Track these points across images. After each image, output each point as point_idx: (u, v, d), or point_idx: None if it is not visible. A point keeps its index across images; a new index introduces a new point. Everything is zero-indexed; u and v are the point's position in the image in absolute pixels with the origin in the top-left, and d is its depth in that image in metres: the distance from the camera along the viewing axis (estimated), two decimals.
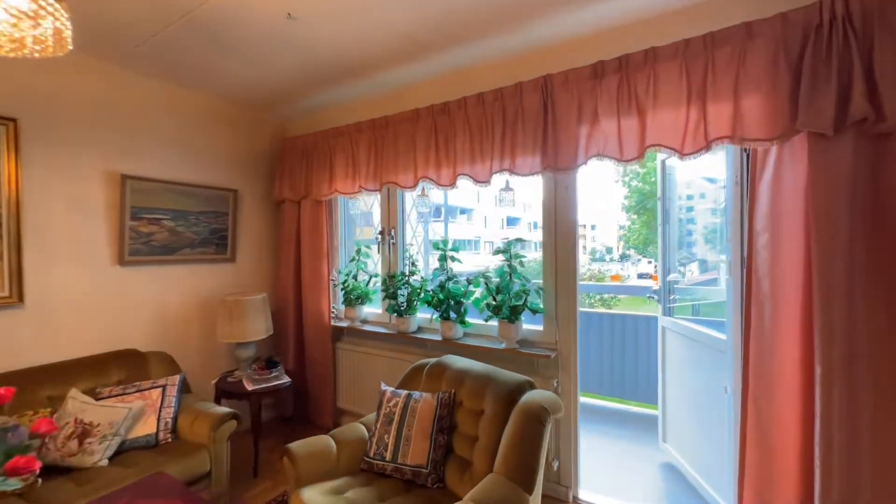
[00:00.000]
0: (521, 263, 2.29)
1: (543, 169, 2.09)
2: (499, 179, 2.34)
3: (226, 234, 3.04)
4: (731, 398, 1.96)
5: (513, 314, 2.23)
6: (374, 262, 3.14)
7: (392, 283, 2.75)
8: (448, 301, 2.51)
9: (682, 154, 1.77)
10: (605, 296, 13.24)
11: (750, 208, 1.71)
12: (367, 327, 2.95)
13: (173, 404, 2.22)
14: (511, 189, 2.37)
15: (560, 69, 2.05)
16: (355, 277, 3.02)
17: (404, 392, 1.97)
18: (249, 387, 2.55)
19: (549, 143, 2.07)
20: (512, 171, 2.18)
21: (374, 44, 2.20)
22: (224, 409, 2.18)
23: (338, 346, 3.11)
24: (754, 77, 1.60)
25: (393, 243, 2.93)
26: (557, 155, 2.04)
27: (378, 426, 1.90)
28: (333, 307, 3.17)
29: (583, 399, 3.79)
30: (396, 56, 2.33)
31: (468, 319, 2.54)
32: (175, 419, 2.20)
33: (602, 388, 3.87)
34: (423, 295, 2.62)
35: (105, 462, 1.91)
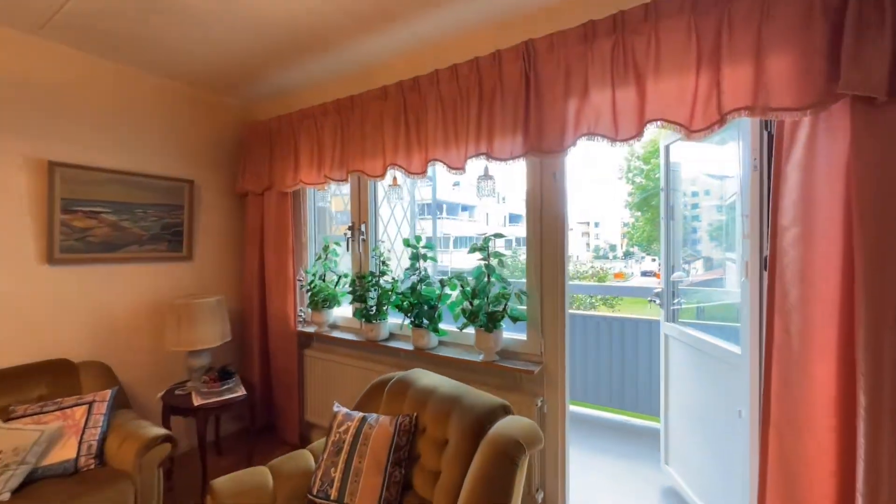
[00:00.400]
0: (501, 262, 1.98)
1: (525, 152, 1.78)
2: (477, 166, 2.04)
3: (181, 229, 2.74)
4: (748, 423, 1.65)
5: (491, 322, 1.92)
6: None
7: (362, 285, 2.45)
8: (421, 305, 2.20)
9: (691, 131, 1.45)
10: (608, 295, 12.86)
11: (774, 198, 1.39)
12: (336, 333, 2.65)
13: (101, 424, 1.93)
14: (491, 177, 2.05)
15: (545, 33, 1.73)
16: (323, 278, 2.72)
17: (358, 415, 1.67)
18: (196, 401, 2.25)
19: (531, 121, 1.75)
20: (489, 156, 1.86)
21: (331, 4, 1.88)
22: (156, 431, 1.89)
23: (306, 354, 2.81)
24: (782, 31, 1.28)
25: (363, 240, 2.63)
26: (541, 135, 1.73)
27: (325, 456, 1.60)
28: (301, 310, 2.88)
29: (578, 409, 3.50)
30: (360, 21, 2.01)
31: (443, 327, 2.23)
32: (102, 441, 1.91)
33: (599, 398, 3.56)
34: (393, 298, 2.32)
35: (7, 495, 1.63)
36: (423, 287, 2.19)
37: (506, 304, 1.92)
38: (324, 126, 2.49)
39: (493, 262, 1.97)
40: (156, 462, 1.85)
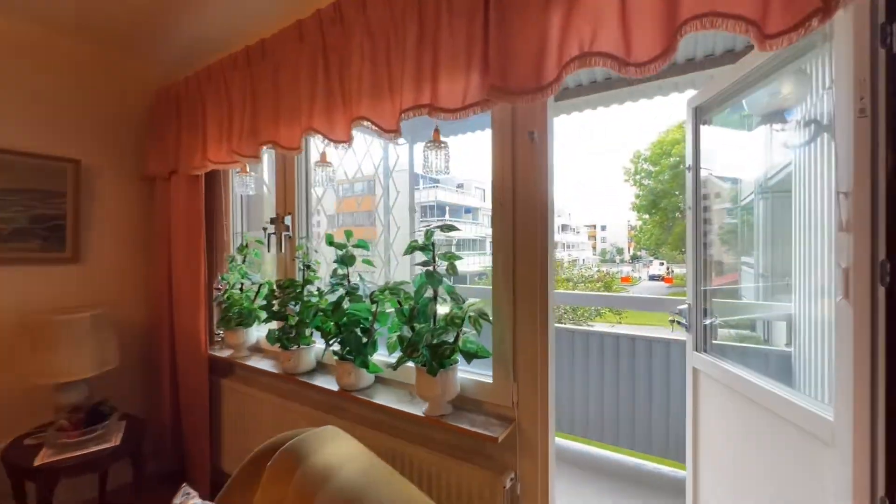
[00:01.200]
0: (454, 268, 1.33)
1: (487, 96, 1.14)
2: (424, 130, 1.41)
3: (62, 223, 2.13)
4: None
5: (435, 359, 1.27)
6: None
7: (283, 296, 1.81)
8: (350, 329, 1.56)
9: (765, 35, 0.81)
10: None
11: None
12: (254, 360, 2.02)
13: None
14: (442, 145, 1.42)
15: None
16: (241, 288, 2.09)
17: None
18: (39, 459, 1.63)
19: (492, 46, 1.11)
20: (433, 107, 1.22)
21: None
22: None
23: (224, 385, 2.18)
24: None
25: (289, 237, 2.00)
26: (508, 66, 1.08)
27: None
28: (219, 329, 2.25)
29: (573, 445, 2.81)
30: None
31: (380, 358, 1.60)
32: None
33: (603, 434, 2.89)
34: (315, 316, 1.68)
35: None
36: (350, 304, 1.55)
37: (458, 333, 1.27)
38: (232, 84, 1.87)
39: (442, 267, 1.33)
40: None
